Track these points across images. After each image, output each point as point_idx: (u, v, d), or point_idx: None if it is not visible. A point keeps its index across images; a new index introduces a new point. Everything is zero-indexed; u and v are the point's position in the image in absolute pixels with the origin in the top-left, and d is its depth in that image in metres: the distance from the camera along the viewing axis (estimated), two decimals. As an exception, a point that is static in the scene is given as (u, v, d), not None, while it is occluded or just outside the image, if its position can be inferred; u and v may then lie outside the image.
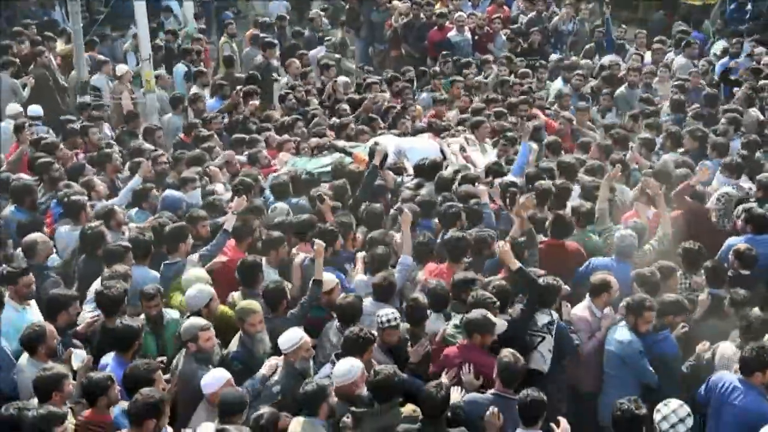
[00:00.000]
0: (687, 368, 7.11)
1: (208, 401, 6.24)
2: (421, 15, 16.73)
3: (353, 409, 6.08)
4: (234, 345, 7.04)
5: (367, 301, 7.49)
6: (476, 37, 16.49)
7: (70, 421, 5.87)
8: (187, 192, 9.59)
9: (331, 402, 6.09)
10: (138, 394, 5.80)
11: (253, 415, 5.90)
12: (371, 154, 9.81)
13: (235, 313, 7.11)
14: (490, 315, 6.77)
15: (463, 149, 10.69)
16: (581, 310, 7.54)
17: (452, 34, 16.28)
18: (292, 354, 6.60)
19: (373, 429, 5.97)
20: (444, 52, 15.24)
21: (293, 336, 6.64)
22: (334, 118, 12.49)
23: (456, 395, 6.36)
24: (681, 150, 10.59)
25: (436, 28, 16.40)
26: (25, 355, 6.67)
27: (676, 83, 13.08)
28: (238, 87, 13.18)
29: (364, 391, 6.21)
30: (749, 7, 16.08)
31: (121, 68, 14.35)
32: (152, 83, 13.82)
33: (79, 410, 6.13)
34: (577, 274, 8.17)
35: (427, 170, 9.84)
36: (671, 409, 5.83)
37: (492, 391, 6.38)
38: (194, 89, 14.02)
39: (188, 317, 7.07)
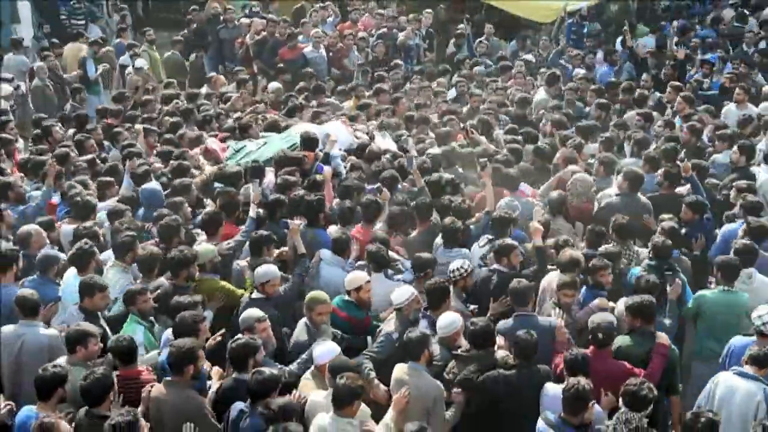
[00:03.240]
0: None
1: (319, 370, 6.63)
2: (276, 33, 16.75)
3: (456, 353, 6.75)
4: (300, 333, 7.29)
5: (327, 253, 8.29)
6: (330, 54, 16.69)
7: None
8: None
9: (431, 350, 6.63)
10: (171, 346, 6.30)
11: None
12: (308, 141, 10.43)
13: (305, 302, 7.35)
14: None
15: (372, 135, 11.59)
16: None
17: (308, 50, 16.38)
18: (405, 308, 7.20)
19: (474, 370, 6.53)
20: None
21: (405, 291, 7.28)
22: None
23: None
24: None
25: (287, 46, 16.43)
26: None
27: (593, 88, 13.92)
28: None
29: (463, 341, 6.85)
30: (587, 22, 17.54)
31: None
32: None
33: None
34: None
35: (358, 150, 10.90)
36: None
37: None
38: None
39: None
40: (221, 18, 17.56)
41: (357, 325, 7.45)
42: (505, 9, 18.41)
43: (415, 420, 5.95)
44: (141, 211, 9.28)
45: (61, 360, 6.39)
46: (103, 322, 7.12)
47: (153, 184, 9.50)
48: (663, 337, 6.90)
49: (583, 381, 5.97)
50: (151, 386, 6.30)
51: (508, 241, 8.12)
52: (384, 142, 11.36)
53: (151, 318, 7.31)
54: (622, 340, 7.00)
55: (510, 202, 9.17)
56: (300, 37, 16.73)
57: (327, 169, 9.68)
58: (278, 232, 8.55)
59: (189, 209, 9.10)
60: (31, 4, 18.80)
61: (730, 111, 12.73)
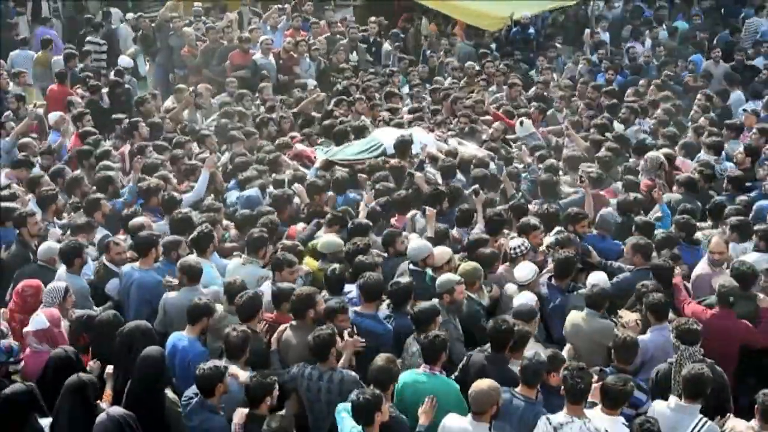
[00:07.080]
0: None
1: None
2: (222, 40, 16.67)
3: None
4: None
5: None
6: (281, 61, 16.72)
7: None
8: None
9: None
10: (294, 294, 7.31)
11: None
12: (400, 146, 10.74)
13: (444, 287, 7.60)
14: None
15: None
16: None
17: (258, 56, 16.35)
18: (532, 284, 7.93)
19: None
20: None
21: (529, 270, 7.96)
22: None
23: None
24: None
25: (237, 51, 16.35)
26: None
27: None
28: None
29: None
30: (531, 30, 18.32)
31: None
32: None
33: None
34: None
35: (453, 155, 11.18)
36: None
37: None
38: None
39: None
40: (171, 26, 17.17)
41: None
42: (453, 17, 19.03)
43: (598, 356, 7.16)
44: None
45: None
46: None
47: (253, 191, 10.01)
48: (765, 301, 7.68)
49: (630, 332, 6.98)
50: (285, 327, 7.27)
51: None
52: (463, 147, 11.74)
53: None
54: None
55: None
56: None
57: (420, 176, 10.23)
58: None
59: None
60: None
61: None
